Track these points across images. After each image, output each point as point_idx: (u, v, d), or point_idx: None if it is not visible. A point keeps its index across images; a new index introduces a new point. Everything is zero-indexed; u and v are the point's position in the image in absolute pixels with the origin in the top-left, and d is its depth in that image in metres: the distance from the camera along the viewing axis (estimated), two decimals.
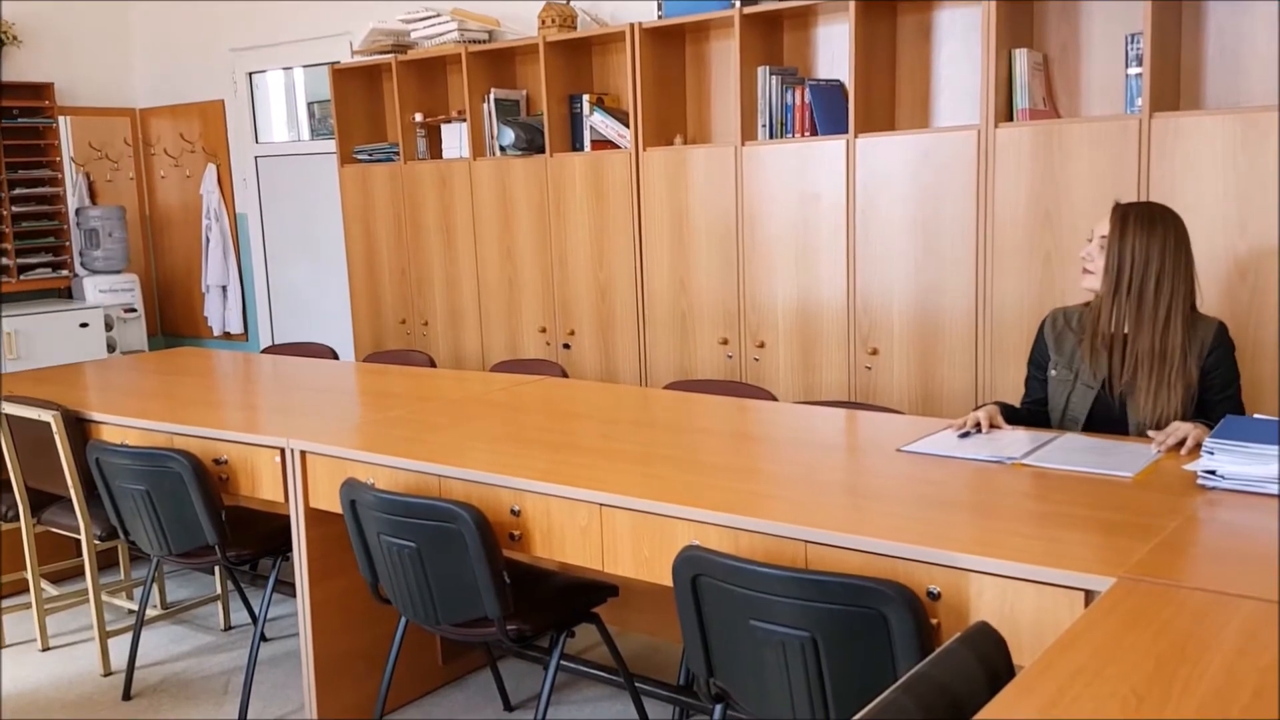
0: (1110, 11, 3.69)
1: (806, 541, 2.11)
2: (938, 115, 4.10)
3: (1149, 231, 2.63)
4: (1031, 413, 2.91)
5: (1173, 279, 2.62)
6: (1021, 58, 3.62)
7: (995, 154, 3.62)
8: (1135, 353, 2.66)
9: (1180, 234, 2.65)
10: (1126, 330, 2.67)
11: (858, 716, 1.32)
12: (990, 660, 1.56)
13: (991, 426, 2.75)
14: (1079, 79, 3.79)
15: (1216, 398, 2.67)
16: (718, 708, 2.23)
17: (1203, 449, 2.25)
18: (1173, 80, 3.52)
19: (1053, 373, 2.87)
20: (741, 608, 2.03)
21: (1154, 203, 2.76)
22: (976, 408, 2.83)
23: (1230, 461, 2.19)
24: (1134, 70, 3.48)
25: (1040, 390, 2.91)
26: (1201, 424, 2.51)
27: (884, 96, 4.10)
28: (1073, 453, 2.51)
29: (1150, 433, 2.58)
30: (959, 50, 4.01)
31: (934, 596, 1.94)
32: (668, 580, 2.16)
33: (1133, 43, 3.49)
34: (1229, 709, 1.29)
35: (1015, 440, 2.64)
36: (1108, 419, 2.75)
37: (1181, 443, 2.47)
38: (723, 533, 2.21)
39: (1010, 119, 3.64)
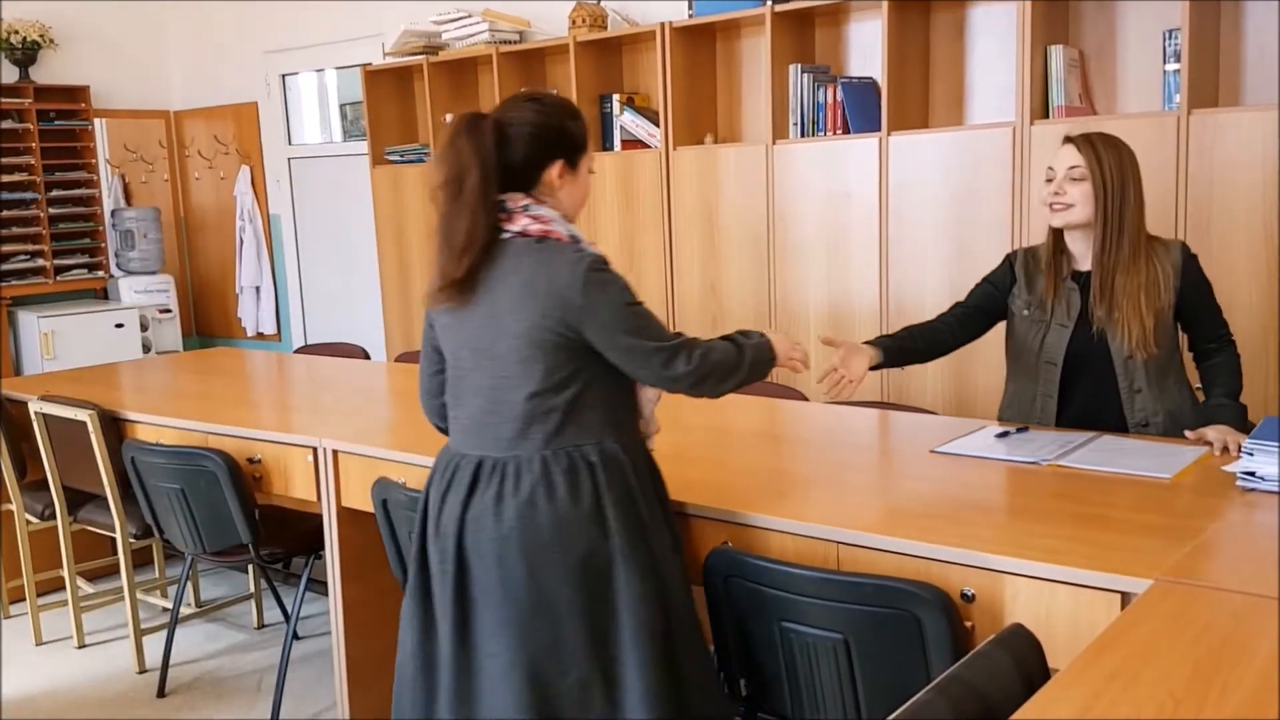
0: (1147, 7, 3.64)
1: (838, 543, 2.09)
2: (972, 112, 4.06)
3: (1118, 150, 2.59)
4: (926, 333, 2.85)
5: (1139, 198, 2.60)
6: (1057, 54, 3.58)
7: (1031, 151, 3.58)
8: (1114, 277, 2.59)
9: (1133, 155, 2.62)
10: (1106, 257, 2.60)
11: (890, 719, 1.31)
12: (1025, 663, 1.54)
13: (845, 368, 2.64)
14: (1116, 75, 3.75)
15: (1201, 306, 2.66)
16: (749, 709, 2.22)
17: (1242, 450, 2.22)
18: (1211, 76, 3.47)
19: (1025, 312, 2.77)
20: (773, 609, 2.01)
21: (1101, 131, 2.69)
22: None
23: (1270, 462, 2.15)
24: (1172, 66, 3.44)
25: (981, 299, 2.83)
26: (1232, 430, 2.48)
27: (917, 94, 4.07)
28: (1109, 454, 2.48)
29: (1188, 433, 2.54)
30: (993, 47, 3.97)
31: (968, 598, 1.92)
32: (698, 581, 2.15)
33: (1170, 39, 3.45)
34: (1267, 713, 1.27)
35: (1051, 441, 2.61)
36: (1085, 357, 2.68)
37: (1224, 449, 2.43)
38: (754, 533, 2.20)
39: (1046, 116, 3.60)
